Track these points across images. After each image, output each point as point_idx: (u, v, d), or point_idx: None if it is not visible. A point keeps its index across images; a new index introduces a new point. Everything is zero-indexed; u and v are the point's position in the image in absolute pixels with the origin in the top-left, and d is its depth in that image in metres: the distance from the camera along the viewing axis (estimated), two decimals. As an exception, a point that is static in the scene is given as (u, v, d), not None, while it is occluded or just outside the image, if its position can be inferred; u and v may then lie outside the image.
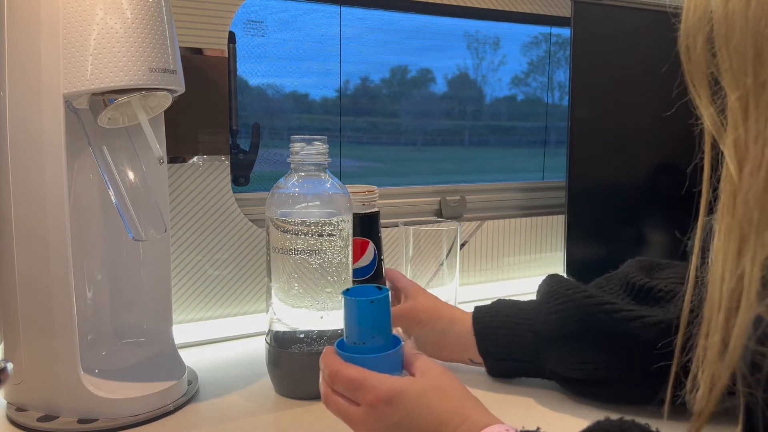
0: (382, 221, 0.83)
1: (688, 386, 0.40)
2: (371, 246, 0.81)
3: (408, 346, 0.56)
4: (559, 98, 1.37)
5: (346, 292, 0.53)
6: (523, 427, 0.46)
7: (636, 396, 0.61)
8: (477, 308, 0.75)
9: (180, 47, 0.69)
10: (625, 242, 1.14)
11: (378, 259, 0.82)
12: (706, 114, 0.39)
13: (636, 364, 0.62)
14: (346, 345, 0.54)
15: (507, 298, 0.76)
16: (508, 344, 0.71)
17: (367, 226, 0.79)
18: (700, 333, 0.39)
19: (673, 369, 0.44)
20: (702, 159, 0.40)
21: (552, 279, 0.73)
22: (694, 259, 0.42)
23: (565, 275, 1.07)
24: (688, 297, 0.44)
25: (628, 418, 0.42)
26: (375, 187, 0.82)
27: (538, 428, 0.45)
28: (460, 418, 0.47)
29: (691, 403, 0.39)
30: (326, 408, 0.53)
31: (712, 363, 0.37)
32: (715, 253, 0.38)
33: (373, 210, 0.82)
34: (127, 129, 0.69)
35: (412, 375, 0.52)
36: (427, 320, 0.75)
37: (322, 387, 0.54)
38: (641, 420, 0.43)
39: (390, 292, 0.54)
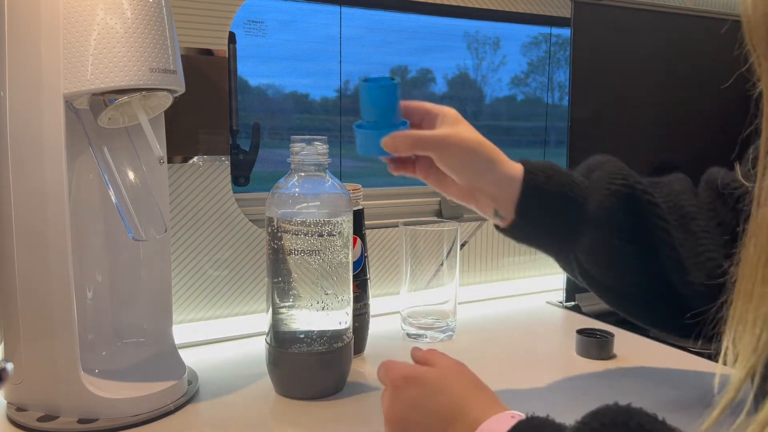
0: (383, 221, 0.83)
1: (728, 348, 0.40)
2: (359, 242, 0.82)
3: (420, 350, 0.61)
4: (559, 98, 1.37)
5: (364, 80, 0.63)
6: (533, 413, 0.46)
7: (649, 319, 0.68)
8: (530, 163, 0.66)
9: (180, 47, 0.70)
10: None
11: (364, 255, 0.84)
12: (765, 75, 0.38)
13: (666, 303, 0.65)
14: (363, 125, 0.64)
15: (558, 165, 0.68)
16: (554, 215, 0.65)
17: (355, 224, 0.80)
18: (737, 292, 0.39)
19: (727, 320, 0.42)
20: (757, 125, 0.39)
21: (608, 161, 0.68)
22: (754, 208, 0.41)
23: (564, 276, 1.07)
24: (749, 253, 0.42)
25: (636, 406, 0.41)
26: (360, 186, 0.84)
27: (547, 415, 0.45)
28: (476, 408, 0.50)
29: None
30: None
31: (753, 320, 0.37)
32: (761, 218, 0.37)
33: (358, 207, 0.83)
34: (127, 129, 0.69)
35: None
36: (463, 154, 0.63)
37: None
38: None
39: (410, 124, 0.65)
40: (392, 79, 0.63)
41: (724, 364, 0.40)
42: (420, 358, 0.60)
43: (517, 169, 0.65)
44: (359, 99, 0.64)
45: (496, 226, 0.69)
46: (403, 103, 0.67)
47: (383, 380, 0.57)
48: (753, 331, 0.37)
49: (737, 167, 0.60)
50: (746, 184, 0.59)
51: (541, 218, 0.65)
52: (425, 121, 0.67)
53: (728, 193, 0.64)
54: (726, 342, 0.39)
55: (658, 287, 0.65)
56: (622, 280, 0.67)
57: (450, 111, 0.66)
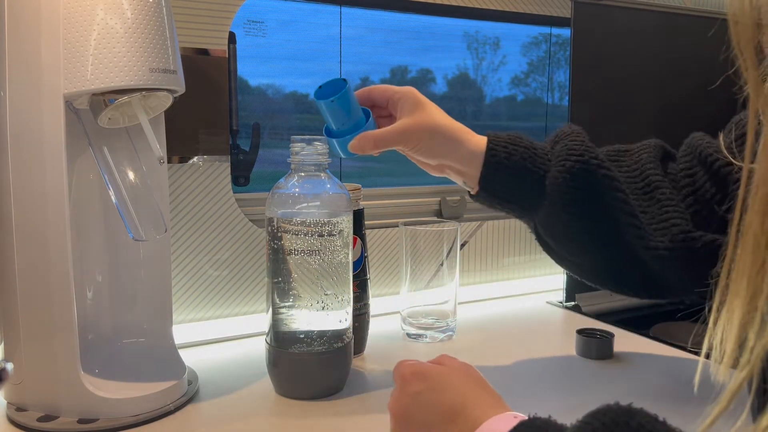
0: (383, 221, 0.83)
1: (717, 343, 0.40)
2: (359, 242, 0.82)
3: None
4: (559, 98, 1.37)
5: (317, 95, 0.66)
6: (535, 413, 0.46)
7: (606, 284, 0.74)
8: (494, 138, 0.69)
9: (180, 47, 0.70)
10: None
11: (364, 255, 0.84)
12: (751, 79, 0.38)
13: (626, 269, 0.69)
14: (332, 132, 0.69)
15: (524, 135, 0.72)
16: (513, 188, 0.70)
17: (355, 224, 0.80)
18: (724, 292, 0.39)
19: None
20: (743, 127, 0.40)
21: (572, 133, 0.71)
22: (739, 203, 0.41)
23: (564, 276, 1.07)
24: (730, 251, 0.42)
25: (636, 406, 0.42)
26: (360, 186, 0.85)
27: (549, 416, 0.46)
28: (478, 407, 0.51)
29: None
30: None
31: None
32: (752, 200, 0.37)
33: (358, 207, 0.83)
34: (127, 129, 0.69)
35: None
36: (425, 140, 0.68)
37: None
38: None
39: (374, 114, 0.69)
40: (344, 80, 0.66)
41: (707, 358, 0.40)
42: (433, 360, 0.61)
43: (481, 144, 0.69)
44: (320, 112, 0.68)
45: (468, 193, 0.74)
46: (365, 90, 0.70)
47: (394, 377, 0.59)
48: (742, 333, 0.37)
49: (720, 138, 0.63)
50: (728, 156, 0.62)
51: (503, 191, 0.70)
52: (390, 103, 0.70)
53: (710, 161, 0.66)
54: (712, 340, 0.40)
55: (618, 255, 0.69)
56: (578, 251, 0.71)
57: (408, 95, 0.68)
